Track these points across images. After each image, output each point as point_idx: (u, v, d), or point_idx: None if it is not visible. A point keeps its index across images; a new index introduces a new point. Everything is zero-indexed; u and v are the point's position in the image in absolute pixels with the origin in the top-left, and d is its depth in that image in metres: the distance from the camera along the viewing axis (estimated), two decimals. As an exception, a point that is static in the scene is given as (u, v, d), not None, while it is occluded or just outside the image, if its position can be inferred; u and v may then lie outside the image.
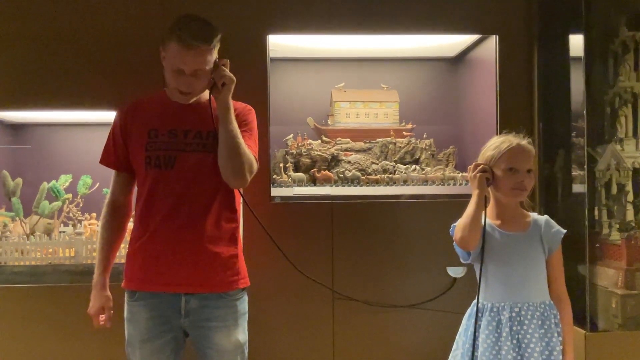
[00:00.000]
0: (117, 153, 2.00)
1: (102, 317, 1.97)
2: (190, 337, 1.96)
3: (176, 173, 1.90)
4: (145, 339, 1.90)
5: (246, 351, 2.00)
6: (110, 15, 2.55)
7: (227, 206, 1.98)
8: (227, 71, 1.91)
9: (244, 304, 1.99)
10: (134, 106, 2.01)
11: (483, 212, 1.88)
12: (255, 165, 1.96)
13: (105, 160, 2.04)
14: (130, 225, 2.09)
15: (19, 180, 2.76)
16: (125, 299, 1.96)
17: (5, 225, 2.66)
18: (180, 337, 1.95)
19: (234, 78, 1.90)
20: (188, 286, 1.89)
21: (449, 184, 2.79)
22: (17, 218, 2.73)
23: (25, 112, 2.70)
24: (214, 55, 1.90)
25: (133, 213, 2.05)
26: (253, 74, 2.59)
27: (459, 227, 1.89)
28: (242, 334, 1.97)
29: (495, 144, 1.92)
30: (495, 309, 1.87)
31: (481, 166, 1.90)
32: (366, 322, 2.59)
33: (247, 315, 2.01)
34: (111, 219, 2.01)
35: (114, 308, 1.99)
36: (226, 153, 1.88)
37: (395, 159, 2.96)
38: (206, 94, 1.98)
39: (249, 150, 1.93)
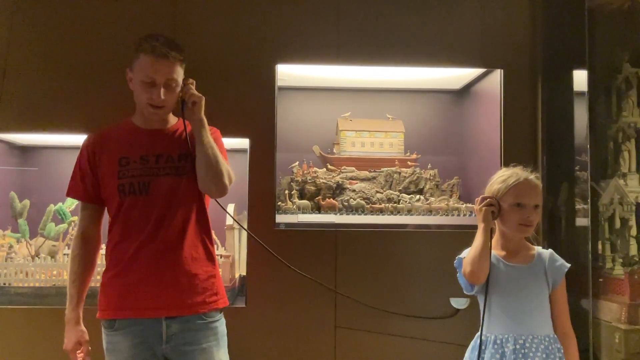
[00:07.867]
0: (85, 184, 1.97)
1: (80, 354, 1.93)
2: None
3: (151, 198, 1.90)
4: None
5: None
6: (118, 46, 2.59)
7: (203, 226, 1.99)
8: (194, 90, 1.94)
9: (223, 326, 1.98)
10: (101, 136, 2.00)
11: (490, 244, 1.86)
12: (233, 175, 1.98)
13: (74, 192, 2.01)
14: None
15: (27, 202, 2.77)
16: (103, 329, 1.92)
17: (11, 247, 2.67)
18: None
19: (202, 96, 1.94)
20: (169, 309, 1.87)
21: (452, 215, 2.80)
22: (22, 239, 2.74)
23: (33, 134, 2.72)
24: (182, 70, 1.95)
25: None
26: (261, 102, 2.65)
27: (467, 261, 1.86)
28: (224, 355, 1.97)
29: (502, 178, 1.90)
30: (499, 341, 1.85)
31: (488, 199, 1.88)
32: (368, 352, 2.58)
33: (226, 337, 1.99)
34: (82, 252, 1.97)
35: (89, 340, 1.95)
36: (206, 164, 1.89)
37: (400, 188, 2.98)
38: (172, 119, 2.03)
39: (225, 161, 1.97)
